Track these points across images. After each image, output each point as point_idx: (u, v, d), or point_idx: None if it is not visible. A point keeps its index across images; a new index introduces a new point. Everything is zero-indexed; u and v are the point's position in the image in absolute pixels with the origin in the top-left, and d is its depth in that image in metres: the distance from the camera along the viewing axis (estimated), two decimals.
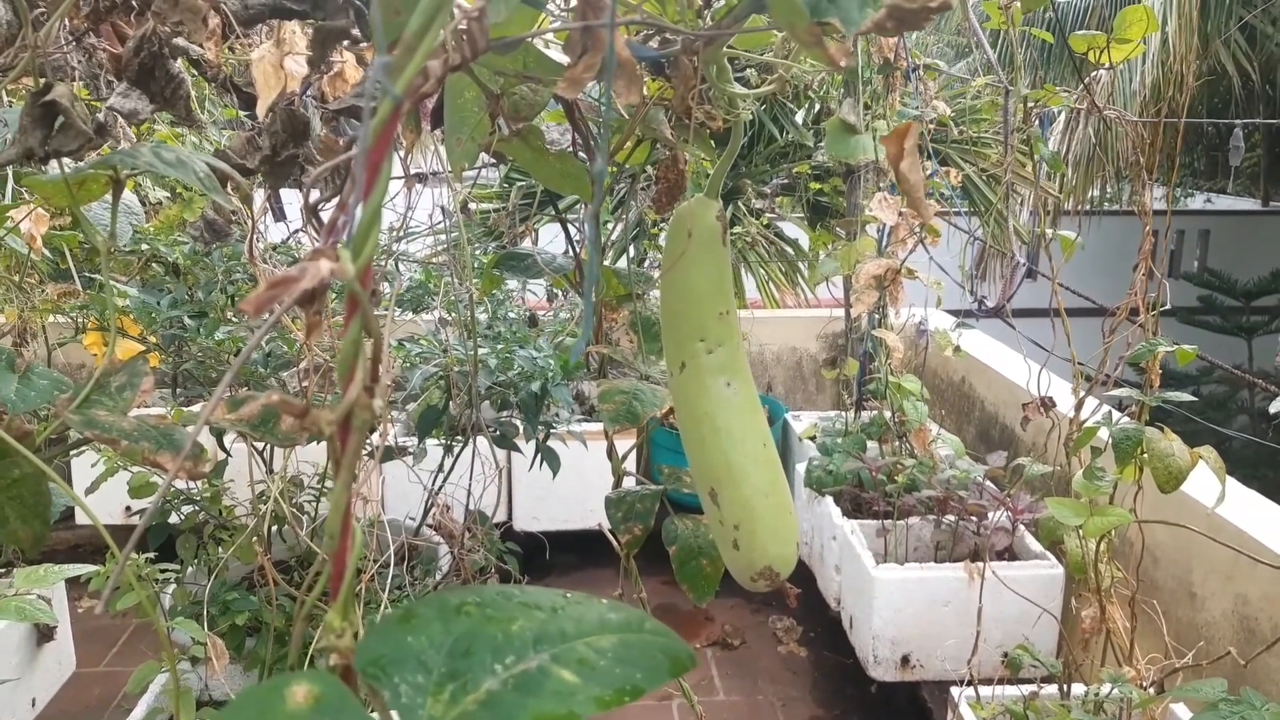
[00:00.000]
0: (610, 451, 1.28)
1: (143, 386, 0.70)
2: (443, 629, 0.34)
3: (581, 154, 1.15)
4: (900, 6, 0.49)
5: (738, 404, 0.81)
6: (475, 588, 0.37)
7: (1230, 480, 1.81)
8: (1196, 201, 12.37)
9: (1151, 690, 1.84)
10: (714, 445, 0.80)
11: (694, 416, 0.81)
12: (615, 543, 1.20)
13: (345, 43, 0.99)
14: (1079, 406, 1.92)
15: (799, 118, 4.68)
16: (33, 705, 2.53)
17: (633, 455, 1.37)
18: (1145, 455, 1.58)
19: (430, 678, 0.34)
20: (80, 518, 3.60)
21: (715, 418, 0.80)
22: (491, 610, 0.35)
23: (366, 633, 0.35)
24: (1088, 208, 8.61)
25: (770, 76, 0.92)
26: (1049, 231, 2.05)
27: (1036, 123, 2.07)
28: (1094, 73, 1.96)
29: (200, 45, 0.96)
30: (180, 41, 1.04)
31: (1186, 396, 1.69)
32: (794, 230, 5.20)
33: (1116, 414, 1.82)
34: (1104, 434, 1.73)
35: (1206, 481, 1.90)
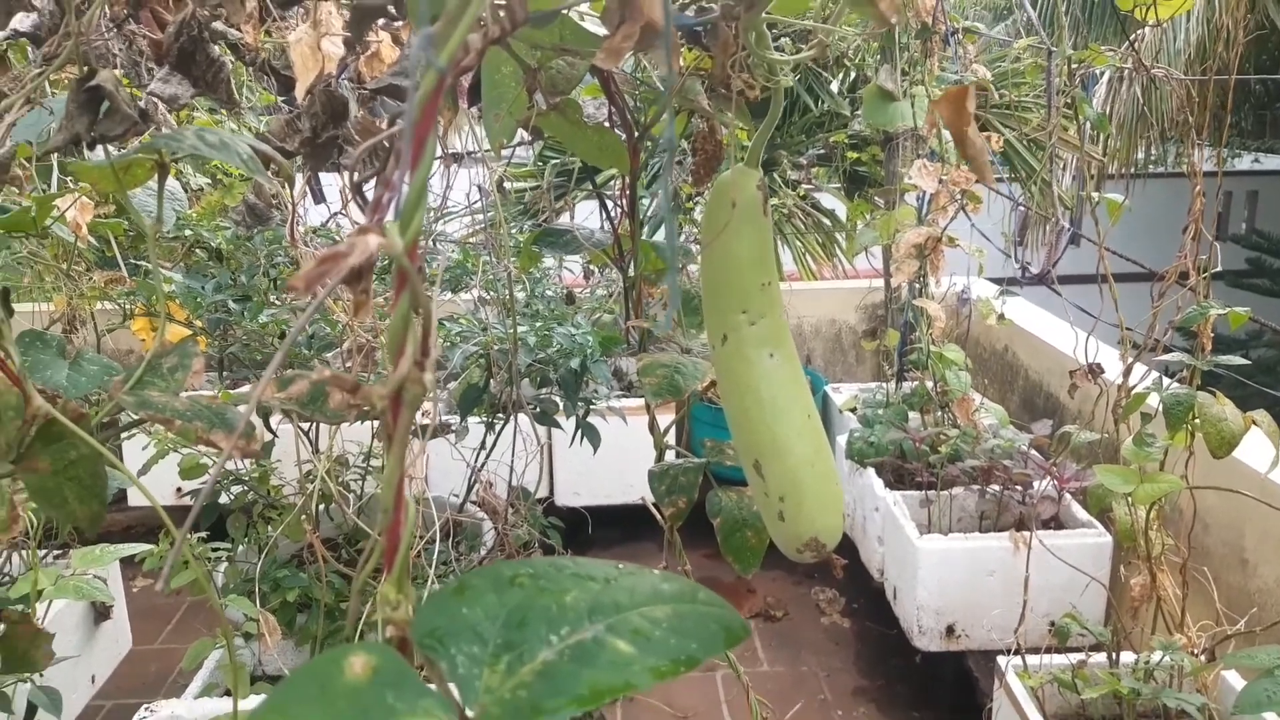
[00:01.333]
0: (652, 425, 1.28)
1: (194, 367, 0.71)
2: (497, 600, 0.35)
3: (619, 127, 1.15)
4: None
5: (781, 375, 0.80)
6: (528, 560, 0.37)
7: None
8: (1244, 162, 12.05)
9: (1203, 658, 1.82)
10: (758, 417, 0.79)
11: (737, 388, 0.80)
12: (659, 515, 1.20)
13: (382, 21, 0.99)
14: (1127, 372, 1.89)
15: (834, 87, 4.61)
16: (92, 682, 2.60)
17: (673, 430, 1.36)
18: (1197, 420, 1.55)
19: (486, 649, 0.34)
20: (133, 500, 3.68)
21: (759, 389, 0.79)
22: (545, 581, 0.36)
23: (422, 605, 0.35)
24: (1132, 171, 8.43)
25: (809, 43, 0.90)
26: (1095, 196, 2.01)
27: (1079, 85, 2.03)
28: (1137, 31, 1.91)
29: (239, 29, 0.97)
30: (219, 25, 1.05)
31: (1239, 360, 1.66)
32: (830, 201, 5.14)
33: (1165, 380, 1.79)
34: (1154, 400, 1.70)
35: (1258, 446, 1.86)
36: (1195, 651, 1.76)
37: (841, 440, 3.27)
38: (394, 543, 0.34)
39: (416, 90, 0.30)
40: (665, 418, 1.41)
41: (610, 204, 1.58)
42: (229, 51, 1.15)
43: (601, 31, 0.87)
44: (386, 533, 0.35)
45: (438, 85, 0.30)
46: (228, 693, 2.19)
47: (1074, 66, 1.88)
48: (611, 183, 3.66)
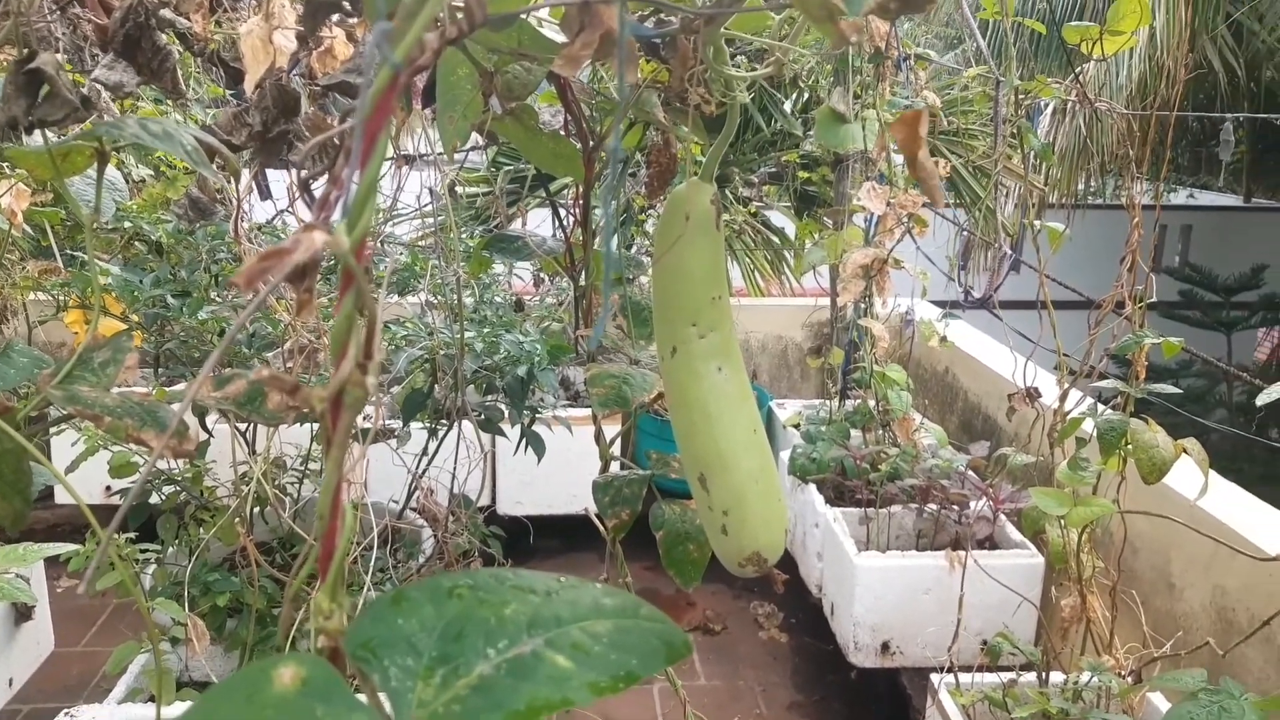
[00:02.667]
0: (598, 436, 1.27)
1: (126, 362, 0.69)
2: (434, 612, 0.34)
3: (574, 136, 1.14)
4: None
5: (729, 390, 0.80)
6: (468, 571, 0.36)
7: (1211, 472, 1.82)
8: (1179, 196, 12.43)
9: (1129, 680, 1.86)
10: (705, 430, 0.79)
11: (685, 401, 0.80)
12: (602, 527, 1.20)
13: (336, 17, 0.97)
14: (1063, 397, 1.93)
15: (787, 107, 4.66)
16: (9, 685, 2.51)
17: (619, 441, 1.36)
18: (1130, 446, 1.59)
19: (421, 661, 0.34)
20: (59, 497, 3.57)
21: (706, 403, 0.79)
22: (484, 593, 0.35)
23: (356, 615, 0.34)
24: (1073, 201, 8.64)
25: (766, 61, 0.91)
26: (1037, 224, 2.06)
27: (1025, 115, 2.07)
28: (1080, 66, 1.95)
29: (188, 17, 0.94)
30: (167, 14, 1.02)
31: (1171, 389, 1.70)
32: (780, 219, 5.19)
33: (1100, 406, 1.83)
34: (1088, 425, 1.73)
35: (1187, 473, 1.91)
36: (1123, 673, 1.80)
37: (785, 456, 3.29)
38: (329, 550, 0.33)
39: (370, 86, 0.29)
40: (611, 429, 1.41)
41: (563, 212, 1.57)
42: (177, 41, 1.12)
43: (560, 39, 0.87)
44: (322, 539, 0.34)
45: (392, 81, 0.29)
46: (152, 698, 2.12)
47: (1021, 97, 1.92)
48: (565, 191, 3.65)
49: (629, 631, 0.34)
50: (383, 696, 0.34)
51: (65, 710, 1.97)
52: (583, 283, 1.38)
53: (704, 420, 0.79)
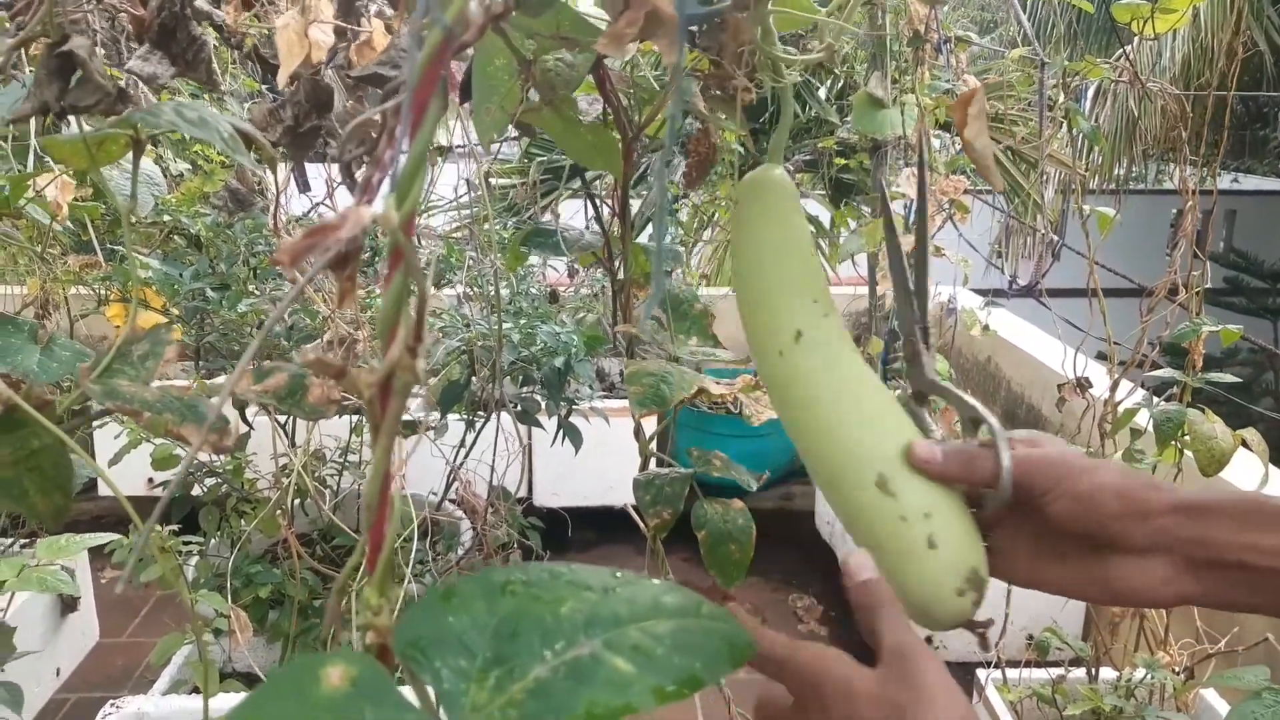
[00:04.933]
0: (638, 432, 1.25)
1: (166, 355, 0.68)
2: (487, 609, 0.32)
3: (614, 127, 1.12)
4: None
5: (874, 376, 0.68)
6: (521, 565, 0.34)
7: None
8: (1223, 181, 12.17)
9: (1182, 676, 1.81)
10: (869, 424, 0.65)
11: (832, 390, 0.66)
12: (641, 523, 1.18)
13: (374, 9, 0.96)
14: (1114, 387, 1.88)
15: (821, 93, 4.61)
16: (57, 675, 2.55)
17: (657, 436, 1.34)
18: (1187, 438, 1.54)
19: (474, 662, 0.32)
20: (103, 489, 3.60)
21: (862, 389, 0.66)
22: (538, 590, 0.33)
23: (405, 611, 0.32)
24: (1113, 186, 8.50)
25: (816, 45, 0.88)
26: (1085, 209, 2.01)
27: (1072, 97, 2.02)
28: (1124, 47, 1.91)
29: (222, 8, 0.93)
30: (203, 4, 1.01)
31: (1230, 378, 1.65)
32: (815, 207, 5.14)
33: (1153, 397, 1.78)
34: (1141, 416, 1.69)
35: (1243, 464, 1.86)
36: (1176, 670, 1.76)
37: None
38: (378, 541, 0.31)
39: (419, 51, 0.27)
40: (650, 422, 1.38)
41: (599, 203, 1.55)
42: (214, 32, 1.12)
43: (602, 23, 0.85)
44: (371, 530, 0.32)
45: (443, 44, 0.27)
46: (196, 689, 2.14)
47: (1068, 79, 1.87)
48: (597, 182, 3.64)
49: (692, 632, 0.32)
50: (433, 696, 0.33)
51: (111, 700, 1.98)
52: (620, 276, 1.36)
53: (866, 408, 0.65)
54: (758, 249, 0.70)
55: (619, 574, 0.35)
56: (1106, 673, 2.01)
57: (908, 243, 2.39)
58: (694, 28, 0.79)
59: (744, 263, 0.71)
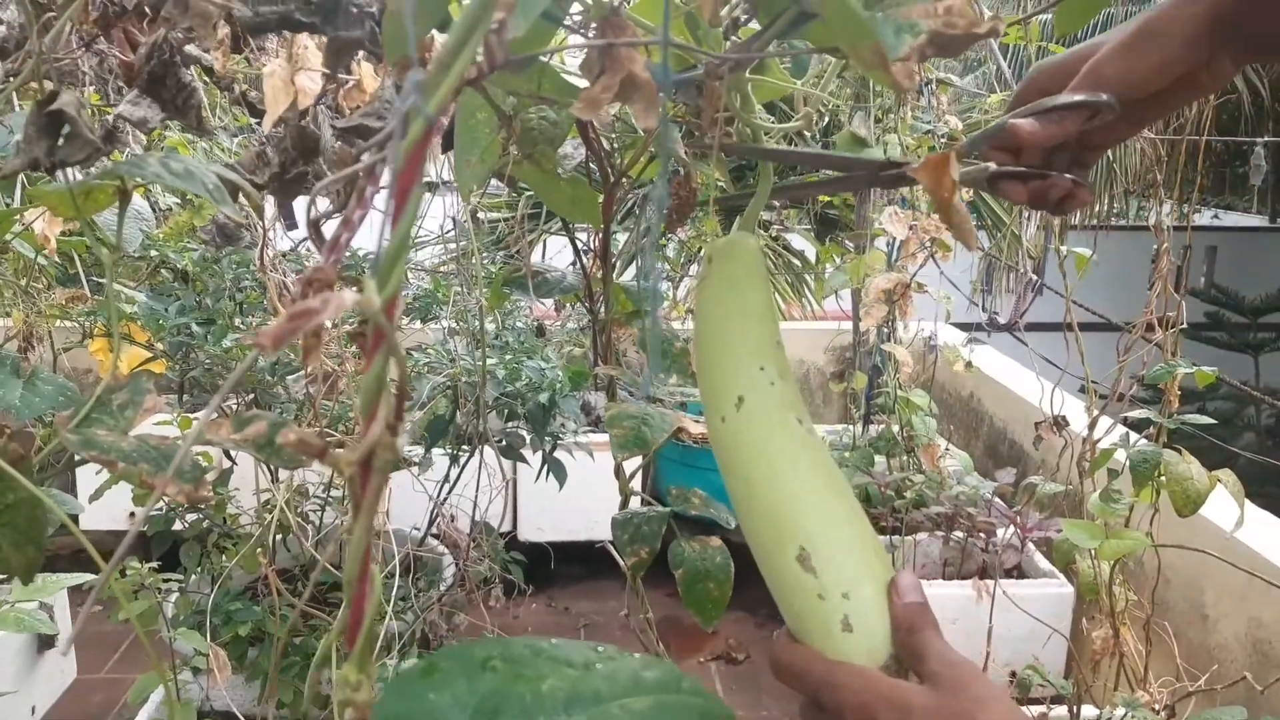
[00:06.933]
0: (618, 471, 1.26)
1: (145, 404, 0.68)
2: (468, 686, 0.32)
3: (595, 179, 1.14)
4: (942, 34, 0.47)
5: (815, 444, 0.66)
6: (501, 640, 0.35)
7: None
8: (1204, 217, 12.33)
9: (1163, 714, 1.82)
10: (797, 493, 0.64)
11: (763, 460, 0.65)
12: (621, 561, 1.18)
13: (362, 54, 0.97)
14: (1092, 426, 1.90)
15: (806, 132, 4.65)
16: (32, 713, 2.51)
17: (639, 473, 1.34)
18: (1163, 478, 1.56)
19: None
20: (84, 523, 3.58)
21: (796, 460, 0.65)
22: (519, 666, 0.33)
23: (385, 687, 0.33)
24: (1095, 223, 8.59)
25: (795, 116, 0.89)
26: (1063, 248, 2.03)
27: None
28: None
29: (211, 54, 0.94)
30: (193, 50, 1.02)
31: (1205, 419, 1.67)
32: (800, 243, 5.18)
33: (1132, 434, 1.80)
34: (1120, 455, 1.70)
35: (1220, 502, 1.87)
36: (1157, 708, 1.76)
37: None
38: (358, 618, 0.32)
39: (403, 138, 0.28)
40: (632, 461, 1.39)
41: (579, 247, 1.57)
42: (205, 75, 1.13)
43: (582, 84, 0.86)
44: (350, 605, 0.32)
45: (426, 134, 0.28)
46: None
47: None
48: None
49: (671, 707, 0.33)
50: None
51: None
52: (601, 316, 1.37)
53: (795, 480, 0.64)
54: (713, 313, 0.70)
55: (600, 648, 0.35)
56: (1088, 710, 2.01)
57: (890, 280, 2.39)
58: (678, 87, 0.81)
59: (700, 326, 0.71)
